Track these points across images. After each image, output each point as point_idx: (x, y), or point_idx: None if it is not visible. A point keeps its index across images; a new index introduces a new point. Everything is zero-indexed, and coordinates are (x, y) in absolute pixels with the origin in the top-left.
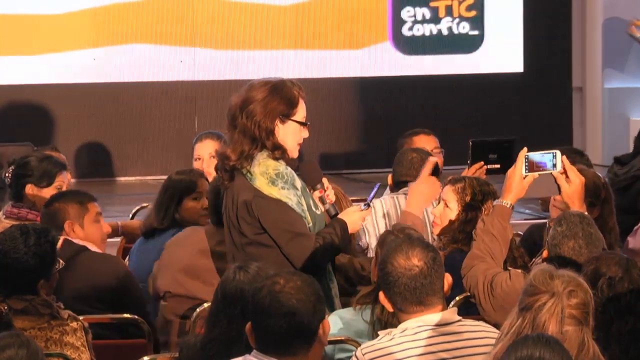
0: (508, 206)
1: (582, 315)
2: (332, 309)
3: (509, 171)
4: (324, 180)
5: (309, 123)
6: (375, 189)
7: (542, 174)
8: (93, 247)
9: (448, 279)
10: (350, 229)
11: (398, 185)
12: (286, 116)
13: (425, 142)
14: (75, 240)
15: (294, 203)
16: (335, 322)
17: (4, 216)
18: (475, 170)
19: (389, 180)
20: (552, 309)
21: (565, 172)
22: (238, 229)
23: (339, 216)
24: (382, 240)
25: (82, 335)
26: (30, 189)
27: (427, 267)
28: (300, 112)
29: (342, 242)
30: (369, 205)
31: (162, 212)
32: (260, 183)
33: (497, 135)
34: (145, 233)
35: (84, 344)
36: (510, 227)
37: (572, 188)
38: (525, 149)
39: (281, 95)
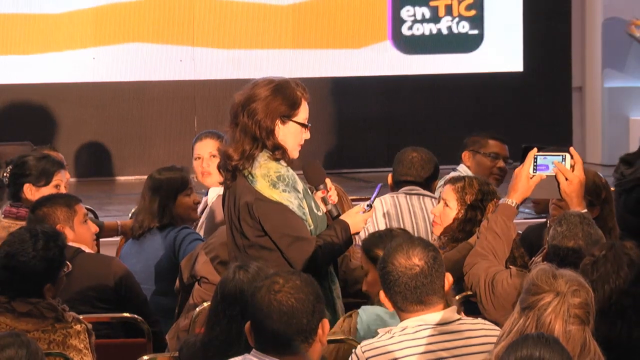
0: (513, 205)
1: (585, 314)
2: (334, 310)
3: (517, 170)
4: (327, 180)
5: (310, 125)
6: (377, 190)
7: (549, 174)
8: (86, 249)
9: (449, 278)
10: (353, 231)
11: (398, 184)
12: (287, 117)
13: (500, 148)
14: (69, 243)
15: (295, 206)
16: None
17: (3, 216)
18: None
19: (389, 179)
20: (557, 309)
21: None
22: (240, 231)
23: (341, 217)
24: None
25: (85, 338)
26: (28, 188)
27: (427, 266)
28: (302, 114)
29: (343, 244)
30: (371, 207)
31: (162, 211)
32: (262, 186)
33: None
34: (139, 235)
35: (87, 346)
36: (514, 226)
37: (570, 187)
38: (535, 149)
39: (284, 95)
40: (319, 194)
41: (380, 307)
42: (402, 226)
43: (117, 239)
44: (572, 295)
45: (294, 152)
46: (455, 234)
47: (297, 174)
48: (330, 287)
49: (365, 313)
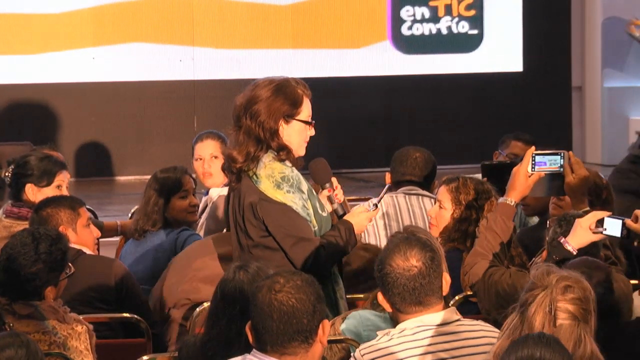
0: (512, 204)
1: (579, 311)
2: (337, 311)
3: (515, 169)
4: (333, 179)
5: (314, 122)
6: (384, 190)
7: (547, 173)
8: (87, 251)
9: (447, 278)
10: (357, 230)
11: (398, 184)
12: (290, 116)
13: (520, 149)
14: (70, 245)
15: (299, 207)
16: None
17: (4, 215)
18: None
19: (388, 179)
20: (540, 301)
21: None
22: (244, 231)
23: (345, 217)
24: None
25: (87, 339)
26: (30, 188)
27: (425, 267)
28: (305, 111)
29: (347, 245)
30: (376, 206)
31: (153, 214)
32: (266, 186)
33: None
34: (138, 235)
35: (88, 347)
36: (514, 225)
37: (575, 180)
38: (532, 147)
39: (285, 95)
40: (325, 193)
41: (369, 311)
42: (401, 227)
43: (117, 239)
44: (564, 290)
45: (300, 150)
46: (451, 234)
47: (303, 173)
48: (334, 287)
49: (355, 318)
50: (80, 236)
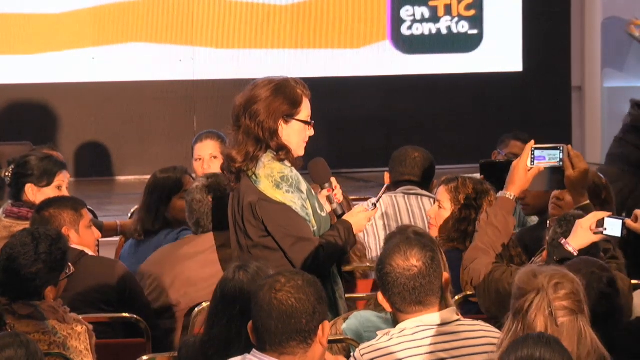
0: (512, 198)
1: (574, 304)
2: (336, 311)
3: (514, 163)
4: (333, 179)
5: (313, 122)
6: (383, 190)
7: (547, 167)
8: (89, 252)
9: (446, 277)
10: (355, 230)
11: (397, 184)
12: (289, 116)
13: (520, 149)
14: (73, 246)
15: (298, 207)
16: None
17: (4, 215)
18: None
19: (387, 179)
20: (539, 305)
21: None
22: (244, 231)
23: (344, 217)
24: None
25: (86, 339)
26: (30, 188)
27: (425, 267)
28: (304, 111)
29: (346, 244)
30: (375, 206)
31: (153, 214)
32: (265, 186)
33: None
34: (138, 236)
35: (88, 347)
36: (513, 219)
37: (576, 174)
38: (532, 141)
39: (284, 95)
40: (324, 193)
41: (371, 312)
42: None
43: (117, 239)
44: (556, 288)
45: (299, 150)
46: (451, 233)
47: (303, 173)
48: (333, 287)
49: (357, 319)
50: (83, 237)
